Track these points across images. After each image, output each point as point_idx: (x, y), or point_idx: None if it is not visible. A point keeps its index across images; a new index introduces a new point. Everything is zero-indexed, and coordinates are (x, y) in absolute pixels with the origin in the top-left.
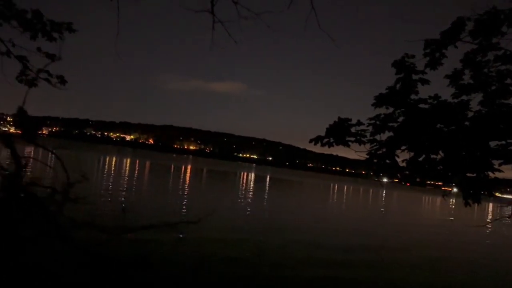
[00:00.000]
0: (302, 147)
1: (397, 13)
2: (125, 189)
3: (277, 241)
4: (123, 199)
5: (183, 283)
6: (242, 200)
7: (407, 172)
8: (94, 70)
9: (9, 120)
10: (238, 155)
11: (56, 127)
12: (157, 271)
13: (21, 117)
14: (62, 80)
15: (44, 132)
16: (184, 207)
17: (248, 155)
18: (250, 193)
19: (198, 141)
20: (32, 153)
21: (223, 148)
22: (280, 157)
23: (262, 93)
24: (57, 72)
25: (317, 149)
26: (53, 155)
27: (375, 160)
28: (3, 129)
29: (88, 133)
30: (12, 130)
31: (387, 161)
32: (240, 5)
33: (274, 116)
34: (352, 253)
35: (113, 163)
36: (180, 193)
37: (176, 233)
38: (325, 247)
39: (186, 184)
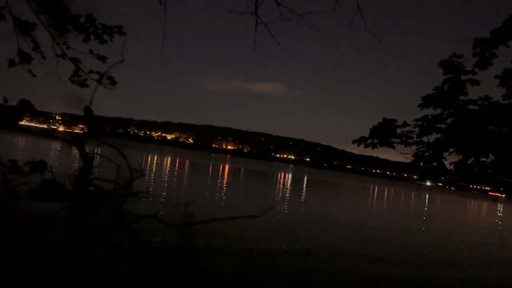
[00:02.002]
0: (340, 148)
1: (444, 11)
2: (174, 185)
3: (323, 250)
4: (186, 193)
5: (235, 277)
6: (280, 199)
7: (454, 176)
8: (138, 70)
9: (58, 119)
10: (276, 155)
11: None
12: (217, 264)
13: (87, 116)
14: (112, 81)
15: (82, 131)
16: (235, 203)
17: (285, 156)
18: (288, 193)
19: (236, 141)
20: (96, 150)
21: (261, 148)
22: (318, 158)
23: (301, 93)
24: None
25: (357, 150)
26: (99, 153)
27: (421, 163)
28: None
29: (131, 132)
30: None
31: (434, 163)
32: (284, 6)
33: (312, 117)
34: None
35: (155, 161)
36: (227, 191)
37: (236, 226)
38: (359, 258)
39: (226, 182)
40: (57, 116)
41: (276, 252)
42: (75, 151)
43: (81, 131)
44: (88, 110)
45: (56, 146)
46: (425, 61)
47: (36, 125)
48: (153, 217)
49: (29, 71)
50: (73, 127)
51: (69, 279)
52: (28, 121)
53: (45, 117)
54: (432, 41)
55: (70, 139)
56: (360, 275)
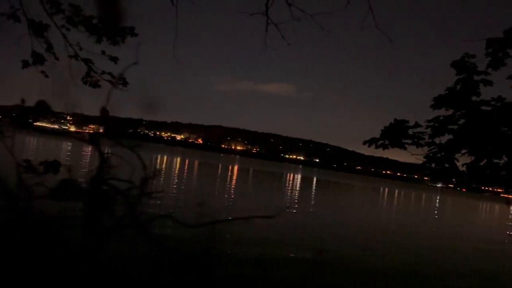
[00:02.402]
0: (350, 149)
1: (455, 11)
2: (184, 186)
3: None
4: (196, 193)
5: (247, 278)
6: (289, 200)
7: (466, 177)
8: (147, 70)
9: (69, 119)
10: (285, 156)
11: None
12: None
13: (104, 116)
14: (124, 81)
15: (101, 131)
16: (244, 204)
17: (294, 156)
18: (297, 194)
19: (245, 142)
20: (110, 150)
21: (270, 148)
22: (327, 158)
23: (310, 94)
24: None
25: (367, 151)
26: (107, 153)
27: (433, 164)
28: (63, 127)
29: (141, 132)
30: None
31: (446, 165)
32: (295, 7)
33: (322, 118)
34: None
35: (165, 161)
36: (236, 192)
37: (246, 227)
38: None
39: (235, 183)
40: (68, 117)
41: (288, 253)
42: (85, 151)
43: (93, 131)
44: (104, 110)
45: (67, 146)
46: (436, 62)
47: (47, 125)
48: (167, 217)
49: (42, 72)
50: (84, 128)
51: (83, 277)
52: (39, 121)
53: (57, 117)
54: (444, 41)
55: (87, 139)
56: (371, 276)
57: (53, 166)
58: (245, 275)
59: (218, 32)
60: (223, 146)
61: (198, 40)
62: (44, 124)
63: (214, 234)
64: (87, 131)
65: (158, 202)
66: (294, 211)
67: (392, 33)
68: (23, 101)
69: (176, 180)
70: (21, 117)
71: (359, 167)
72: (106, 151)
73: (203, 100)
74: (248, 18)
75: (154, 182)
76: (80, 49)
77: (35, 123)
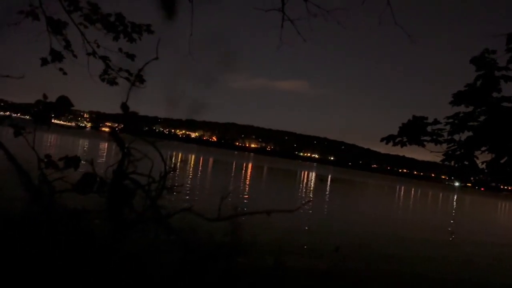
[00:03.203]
0: (366, 147)
1: (474, 7)
2: (198, 182)
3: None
4: (212, 189)
5: (265, 274)
6: (304, 198)
7: (485, 175)
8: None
9: (86, 117)
10: (299, 153)
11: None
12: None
13: (124, 112)
14: (140, 79)
15: (118, 128)
16: (261, 200)
17: (309, 154)
18: (312, 192)
19: (259, 139)
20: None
21: (284, 146)
22: (342, 156)
23: (325, 91)
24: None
25: (383, 149)
26: (128, 147)
27: (452, 162)
28: (81, 124)
29: (156, 130)
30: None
31: (465, 162)
32: (311, 3)
33: (337, 115)
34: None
35: (180, 158)
36: (251, 189)
37: (264, 223)
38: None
39: (249, 180)
40: (85, 114)
41: (305, 249)
42: (102, 149)
43: (109, 129)
44: (124, 106)
45: (84, 143)
46: (456, 58)
47: (64, 122)
48: (188, 210)
49: (61, 69)
50: (100, 125)
51: (106, 269)
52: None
53: (74, 114)
54: (463, 37)
55: (108, 135)
56: (388, 275)
57: (73, 161)
58: (262, 271)
59: (234, 29)
60: (237, 143)
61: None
62: (62, 122)
63: (235, 228)
64: (103, 128)
65: (176, 197)
66: (309, 209)
67: (410, 28)
68: (45, 96)
69: (192, 176)
70: (43, 113)
71: (374, 165)
72: (126, 146)
73: (218, 98)
74: (263, 14)
75: (174, 176)
76: (98, 46)
77: (55, 120)
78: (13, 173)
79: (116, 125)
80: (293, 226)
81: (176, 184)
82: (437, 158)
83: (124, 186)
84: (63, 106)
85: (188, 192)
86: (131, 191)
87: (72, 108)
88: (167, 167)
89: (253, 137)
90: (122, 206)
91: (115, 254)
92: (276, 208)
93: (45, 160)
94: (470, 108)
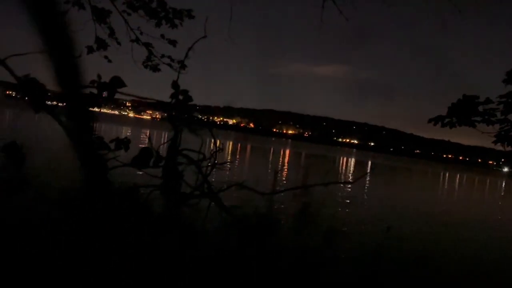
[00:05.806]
0: (409, 132)
1: None
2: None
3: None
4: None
5: (315, 251)
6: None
7: None
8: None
9: (128, 105)
10: (338, 139)
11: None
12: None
13: (175, 91)
14: (182, 65)
15: (157, 116)
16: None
17: (348, 140)
18: (352, 177)
19: (297, 125)
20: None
21: (322, 132)
22: (383, 142)
23: (367, 75)
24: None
25: (427, 134)
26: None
27: (505, 144)
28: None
29: (195, 117)
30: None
31: None
32: None
33: (377, 100)
34: None
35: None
36: (290, 172)
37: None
38: None
39: (288, 164)
40: (127, 103)
41: (355, 229)
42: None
43: (150, 117)
44: (175, 85)
45: (127, 130)
46: (509, 34)
47: (107, 111)
48: (240, 185)
49: (105, 57)
50: (142, 113)
51: (163, 242)
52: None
53: (117, 103)
54: None
55: (163, 115)
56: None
57: (124, 143)
58: (312, 248)
59: (273, 14)
60: (274, 130)
61: (253, 23)
62: (105, 110)
63: (278, 209)
64: (144, 116)
65: (224, 176)
66: (353, 195)
67: (460, 2)
68: (99, 76)
69: (230, 160)
70: (97, 92)
71: (417, 151)
72: (179, 124)
73: (255, 84)
74: None
75: (222, 156)
76: (141, 33)
77: (99, 109)
78: (69, 153)
79: (148, 113)
80: (340, 207)
81: (228, 160)
82: (485, 142)
83: (177, 162)
84: (117, 85)
85: (235, 171)
86: (183, 168)
87: (116, 96)
88: (216, 147)
89: (291, 123)
90: (177, 181)
91: (173, 226)
92: (336, 180)
93: (98, 141)
94: None
